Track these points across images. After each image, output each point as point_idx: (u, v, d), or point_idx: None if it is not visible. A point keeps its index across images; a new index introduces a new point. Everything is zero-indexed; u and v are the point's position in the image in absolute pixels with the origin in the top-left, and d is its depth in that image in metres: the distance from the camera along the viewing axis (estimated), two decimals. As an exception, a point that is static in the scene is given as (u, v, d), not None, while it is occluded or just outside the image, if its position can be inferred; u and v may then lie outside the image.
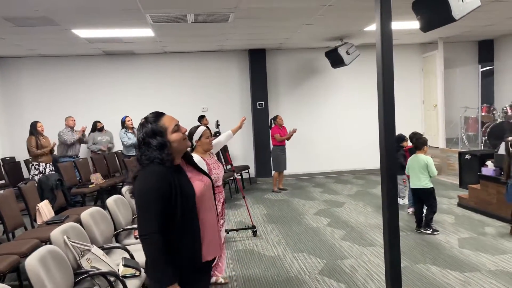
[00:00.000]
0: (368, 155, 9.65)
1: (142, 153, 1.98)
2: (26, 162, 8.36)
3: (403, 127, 9.63)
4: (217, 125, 6.35)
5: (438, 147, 9.77)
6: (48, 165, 7.23)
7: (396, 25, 7.70)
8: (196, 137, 3.67)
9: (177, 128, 2.05)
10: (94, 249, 3.15)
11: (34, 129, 7.26)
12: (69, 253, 3.07)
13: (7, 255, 3.67)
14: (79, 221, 3.65)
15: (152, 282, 2.00)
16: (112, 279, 3.00)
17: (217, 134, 6.23)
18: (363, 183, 8.99)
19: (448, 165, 9.25)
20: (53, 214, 5.20)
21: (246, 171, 9.20)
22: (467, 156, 7.73)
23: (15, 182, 7.28)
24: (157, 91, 9.57)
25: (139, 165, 1.99)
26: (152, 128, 1.99)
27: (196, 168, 2.19)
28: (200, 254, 2.03)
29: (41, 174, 6.80)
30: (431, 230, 5.23)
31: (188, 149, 3.67)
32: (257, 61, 9.62)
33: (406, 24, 7.60)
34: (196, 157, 3.58)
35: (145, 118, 2.05)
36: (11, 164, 8.29)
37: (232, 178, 7.94)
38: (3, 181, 8.05)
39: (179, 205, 1.93)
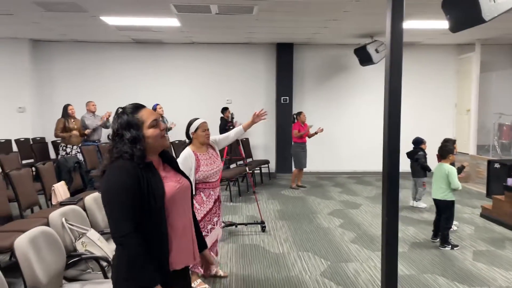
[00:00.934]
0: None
1: (114, 145, 1.86)
2: (54, 143, 8.65)
3: (433, 130, 9.38)
4: (231, 118, 6.30)
5: (468, 154, 9.37)
6: (75, 147, 7.46)
7: (429, 24, 7.39)
8: (192, 129, 3.60)
9: (155, 124, 1.91)
10: (90, 233, 3.20)
11: (65, 112, 7.53)
12: (66, 236, 3.14)
13: (14, 232, 3.78)
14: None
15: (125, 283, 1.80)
16: (104, 264, 3.04)
17: (231, 127, 6.18)
18: (385, 185, 8.74)
19: (477, 173, 8.85)
20: (68, 195, 5.34)
21: (266, 165, 9.15)
22: (496, 165, 7.37)
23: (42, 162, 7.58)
24: (184, 81, 9.66)
25: (109, 157, 1.85)
26: (128, 120, 1.86)
27: (175, 168, 2.04)
28: (167, 261, 1.86)
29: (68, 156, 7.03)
30: (450, 246, 4.92)
31: (187, 141, 3.67)
32: (285, 55, 9.51)
33: (440, 24, 7.27)
34: (186, 152, 3.54)
35: (123, 109, 1.91)
36: (40, 144, 8.60)
37: (246, 172, 7.91)
38: (32, 160, 8.36)
39: (145, 204, 1.77)
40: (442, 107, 10.02)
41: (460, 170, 5.22)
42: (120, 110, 1.92)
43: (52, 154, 8.69)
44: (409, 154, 6.71)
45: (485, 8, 4.52)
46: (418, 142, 6.69)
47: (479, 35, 8.60)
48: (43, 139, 9.07)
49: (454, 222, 5.75)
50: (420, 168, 6.47)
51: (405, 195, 7.80)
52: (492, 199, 6.30)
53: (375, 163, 9.91)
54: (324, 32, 8.11)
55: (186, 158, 3.51)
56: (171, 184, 1.90)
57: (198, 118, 3.66)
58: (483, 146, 9.37)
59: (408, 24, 7.27)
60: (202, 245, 2.17)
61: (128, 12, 6.58)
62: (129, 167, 1.78)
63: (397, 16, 2.85)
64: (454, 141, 5.78)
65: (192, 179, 3.50)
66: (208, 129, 3.64)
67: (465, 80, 9.71)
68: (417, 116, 9.88)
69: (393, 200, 2.93)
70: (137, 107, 1.93)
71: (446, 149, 5.05)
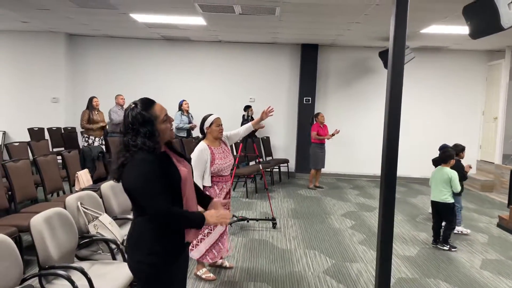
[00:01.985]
0: (415, 163, 9.29)
1: (129, 138, 2.00)
2: (83, 133, 9.07)
3: (458, 137, 9.20)
4: (248, 116, 6.44)
5: (493, 163, 9.16)
6: (97, 139, 7.82)
7: (454, 29, 7.30)
8: (207, 124, 3.77)
9: (166, 119, 2.09)
10: (103, 217, 3.43)
11: (90, 104, 7.89)
12: (80, 218, 3.39)
13: (36, 213, 4.08)
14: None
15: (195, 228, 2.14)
16: (113, 246, 3.27)
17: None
18: (404, 190, 8.70)
19: (501, 182, 8.66)
20: (91, 182, 5.65)
21: (286, 164, 9.27)
22: (519, 175, 7.18)
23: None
24: (210, 78, 9.89)
25: (126, 151, 2.01)
26: (143, 116, 2.00)
27: (178, 154, 2.27)
28: (184, 235, 2.13)
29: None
30: (448, 246, 5.00)
31: (200, 136, 3.86)
32: (309, 56, 9.59)
33: (465, 29, 7.16)
34: (201, 145, 3.72)
35: (135, 104, 2.05)
36: (69, 134, 9.05)
37: (267, 169, 8.05)
38: (62, 148, 8.81)
39: (168, 188, 2.01)
40: (469, 114, 9.83)
41: (460, 170, 5.22)
42: (133, 105, 2.06)
43: (82, 144, 9.11)
44: (435, 161, 6.64)
45: (504, 16, 4.51)
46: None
47: (510, 41, 8.39)
48: (73, 129, 9.51)
49: (466, 230, 5.71)
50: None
51: (423, 201, 7.76)
52: (510, 209, 6.19)
53: (398, 168, 9.85)
54: (347, 34, 8.15)
55: (202, 151, 3.68)
56: (182, 169, 2.14)
57: (212, 114, 3.84)
58: (509, 155, 9.14)
59: (432, 29, 7.21)
60: (208, 199, 2.44)
61: (155, 10, 6.84)
62: (151, 158, 1.99)
63: (400, 23, 2.91)
64: (463, 148, 5.77)
65: (208, 171, 3.68)
66: (221, 124, 3.82)
67: (494, 87, 9.49)
68: (443, 122, 9.75)
69: (389, 201, 3.00)
70: (150, 102, 2.08)
71: (447, 154, 5.12)
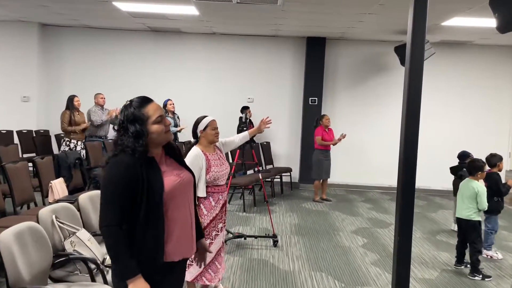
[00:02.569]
0: (435, 173, 9.28)
1: (118, 137, 2.14)
2: (57, 136, 9.07)
3: (484, 141, 9.26)
4: (246, 119, 6.49)
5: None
6: (79, 142, 7.83)
7: (479, 22, 7.36)
8: (201, 127, 3.79)
9: (160, 120, 2.17)
10: (81, 233, 3.44)
11: (70, 103, 7.90)
12: (55, 234, 3.39)
13: (3, 228, 4.08)
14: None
15: (114, 278, 2.17)
16: (93, 266, 3.27)
17: (244, 129, 6.35)
18: (423, 204, 8.73)
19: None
20: (66, 193, 5.65)
21: (288, 174, 9.29)
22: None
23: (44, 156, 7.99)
24: (203, 75, 9.92)
25: (114, 149, 2.15)
26: (134, 114, 2.11)
27: (178, 161, 2.32)
28: (163, 253, 2.14)
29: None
30: (480, 275, 4.91)
31: (193, 140, 3.88)
32: (315, 50, 9.64)
33: (492, 22, 7.23)
34: (194, 150, 3.73)
35: (130, 101, 2.18)
36: (43, 137, 9.05)
37: (267, 179, 8.07)
38: (33, 154, 8.80)
39: (144, 200, 2.06)
40: (496, 117, 9.89)
41: (496, 184, 5.26)
42: (128, 102, 2.18)
43: (56, 149, 9.10)
44: (453, 170, 6.66)
45: (537, 7, 4.55)
46: (464, 157, 6.60)
47: (543, 36, 8.46)
48: (46, 132, 9.51)
49: (497, 254, 5.66)
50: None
51: (444, 216, 7.79)
52: (543, 226, 6.21)
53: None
54: (359, 26, 8.21)
55: (196, 157, 3.69)
56: (171, 178, 2.18)
57: (206, 116, 3.86)
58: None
59: (454, 21, 7.27)
60: (199, 234, 2.45)
61: (142, -2, 6.89)
62: (129, 162, 2.06)
63: (420, 14, 2.94)
64: (500, 158, 5.71)
65: (202, 180, 3.69)
66: (217, 128, 3.84)
67: (525, 88, 9.56)
68: (467, 126, 9.79)
69: (407, 217, 3.02)
70: (144, 100, 2.19)
71: (475, 166, 5.07)
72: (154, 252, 2.12)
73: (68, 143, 7.81)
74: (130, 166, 2.06)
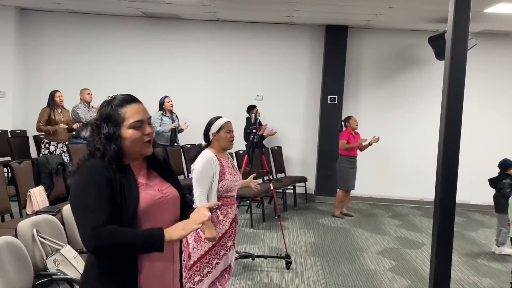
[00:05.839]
0: (475, 185, 9.23)
1: (92, 137, 2.11)
2: (37, 138, 9.12)
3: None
4: (255, 119, 6.42)
5: None
6: (60, 145, 7.86)
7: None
8: (214, 129, 3.79)
9: (138, 125, 2.09)
10: (65, 249, 3.46)
11: (51, 100, 7.95)
12: (36, 251, 3.42)
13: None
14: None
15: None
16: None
17: (254, 132, 6.38)
18: (461, 221, 8.69)
19: None
20: (47, 203, 5.69)
21: (303, 184, 9.29)
22: None
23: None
24: (205, 69, 9.94)
25: (87, 151, 2.10)
26: (109, 113, 2.08)
27: (164, 176, 2.24)
28: (136, 284, 2.04)
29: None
30: None
31: (203, 144, 3.90)
32: (336, 41, 9.65)
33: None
34: (207, 154, 3.73)
35: (112, 98, 2.14)
36: (20, 139, 9.10)
37: (278, 190, 8.08)
38: (8, 158, 8.86)
39: (116, 212, 1.98)
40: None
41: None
42: (110, 98, 2.15)
43: (34, 152, 9.15)
44: (492, 182, 6.65)
45: None
46: (506, 166, 6.62)
47: None
48: (24, 132, 9.57)
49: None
50: (505, 200, 6.42)
51: (485, 236, 7.75)
52: None
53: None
54: (388, 13, 8.21)
55: (209, 161, 3.69)
56: (150, 192, 2.10)
57: (221, 117, 3.88)
58: None
59: (499, 8, 7.25)
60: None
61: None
62: (100, 167, 2.01)
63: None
64: None
65: (214, 189, 3.70)
66: (232, 131, 3.87)
67: None
68: (510, 129, 9.74)
69: (446, 237, 3.03)
70: (127, 100, 2.13)
71: None
72: (126, 281, 2.03)
73: (48, 145, 7.84)
74: (102, 171, 2.00)
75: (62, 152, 7.80)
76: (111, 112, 2.09)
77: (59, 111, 7.96)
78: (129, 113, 2.09)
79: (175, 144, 8.78)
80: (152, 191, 2.11)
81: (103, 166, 2.02)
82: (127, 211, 2.00)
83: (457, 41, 2.98)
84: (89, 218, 1.93)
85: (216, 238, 3.57)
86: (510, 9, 7.40)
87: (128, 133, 2.08)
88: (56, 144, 7.85)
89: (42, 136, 8.21)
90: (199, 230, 3.70)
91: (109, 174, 2.01)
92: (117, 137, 2.06)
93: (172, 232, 1.98)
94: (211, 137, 3.83)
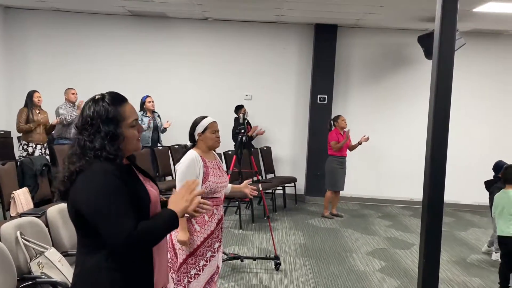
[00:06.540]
0: (466, 185, 9.33)
1: (85, 138, 2.03)
2: (20, 139, 9.04)
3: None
4: (243, 119, 6.41)
5: None
6: (39, 146, 7.77)
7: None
8: (199, 129, 3.79)
9: (135, 124, 2.15)
10: (50, 252, 3.45)
11: (29, 100, 7.86)
12: (20, 253, 3.40)
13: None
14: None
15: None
16: (63, 291, 3.28)
17: (242, 132, 6.38)
18: (451, 221, 8.76)
19: None
20: (31, 205, 5.66)
21: (292, 184, 9.31)
22: None
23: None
24: (192, 68, 9.94)
25: (82, 156, 2.02)
26: (109, 112, 2.06)
27: (142, 173, 2.29)
28: (152, 281, 2.14)
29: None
30: None
31: (189, 144, 3.90)
32: (325, 40, 9.68)
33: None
34: (191, 154, 3.75)
35: (102, 96, 2.10)
36: (3, 140, 9.04)
37: (267, 191, 8.09)
38: (-9, 160, 8.81)
39: (135, 211, 2.01)
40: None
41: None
42: (98, 96, 2.11)
43: (18, 154, 9.08)
44: (486, 184, 6.66)
45: None
46: (499, 168, 6.58)
47: None
48: (8, 133, 9.49)
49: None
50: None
51: (476, 236, 7.81)
52: None
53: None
54: (377, 11, 8.25)
55: (193, 161, 3.69)
56: (152, 189, 2.18)
57: (206, 117, 3.88)
58: None
59: (488, 7, 7.32)
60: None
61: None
62: (112, 169, 2.00)
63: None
64: None
65: (198, 189, 3.69)
66: (218, 131, 3.86)
67: None
68: (503, 132, 9.81)
69: (434, 237, 3.06)
70: (120, 99, 2.15)
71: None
72: (146, 279, 2.11)
73: (25, 146, 7.72)
74: (116, 173, 2.00)
75: (40, 154, 7.71)
76: (112, 111, 2.07)
77: (37, 111, 7.87)
78: (127, 112, 2.13)
79: (158, 144, 8.74)
80: (152, 188, 2.19)
81: (114, 168, 2.02)
82: (141, 210, 2.05)
83: (445, 40, 3.01)
84: (119, 227, 1.93)
85: (187, 244, 3.57)
86: (499, 8, 7.47)
87: (129, 132, 2.11)
88: (34, 146, 7.77)
89: (19, 137, 8.12)
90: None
91: (122, 176, 2.03)
92: (119, 136, 2.06)
93: (177, 207, 2.09)
94: (196, 138, 3.83)
